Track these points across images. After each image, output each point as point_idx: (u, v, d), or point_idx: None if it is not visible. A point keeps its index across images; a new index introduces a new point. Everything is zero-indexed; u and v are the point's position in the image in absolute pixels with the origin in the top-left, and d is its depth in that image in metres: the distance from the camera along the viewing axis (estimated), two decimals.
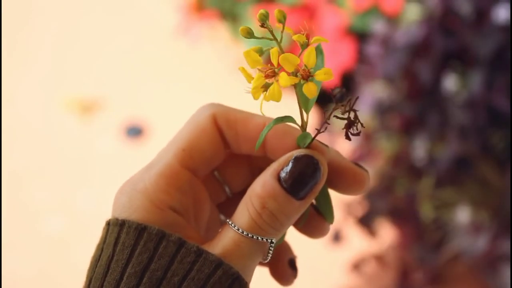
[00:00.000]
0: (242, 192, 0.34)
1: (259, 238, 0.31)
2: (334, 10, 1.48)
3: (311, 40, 0.30)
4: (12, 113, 1.77)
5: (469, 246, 1.02)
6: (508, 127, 1.00)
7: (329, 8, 1.49)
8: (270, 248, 0.32)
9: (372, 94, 1.12)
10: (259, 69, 0.30)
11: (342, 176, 0.34)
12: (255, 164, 0.37)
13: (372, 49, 1.16)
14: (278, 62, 0.30)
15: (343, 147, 1.20)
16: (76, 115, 1.76)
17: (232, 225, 0.31)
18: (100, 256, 0.32)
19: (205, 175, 0.35)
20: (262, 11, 0.30)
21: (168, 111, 1.77)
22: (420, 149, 1.05)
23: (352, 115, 0.29)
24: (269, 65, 0.30)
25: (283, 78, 0.29)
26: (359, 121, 0.29)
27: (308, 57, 0.29)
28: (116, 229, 0.31)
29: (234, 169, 0.37)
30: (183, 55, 1.87)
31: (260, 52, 0.30)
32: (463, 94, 1.01)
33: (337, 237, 1.15)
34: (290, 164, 0.31)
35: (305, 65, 0.30)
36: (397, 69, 1.07)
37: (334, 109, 0.29)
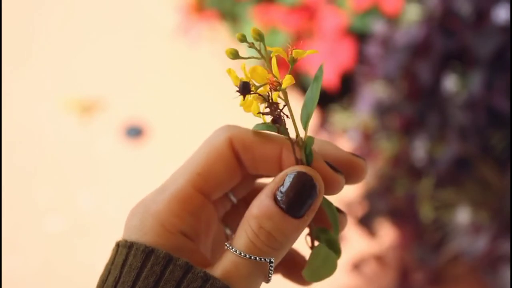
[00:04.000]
0: (247, 199, 0.34)
1: (258, 258, 0.31)
2: (334, 10, 1.48)
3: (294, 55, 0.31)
4: (12, 113, 1.77)
5: (469, 247, 1.02)
6: (508, 127, 1.00)
7: (329, 8, 1.49)
8: (270, 268, 0.32)
9: (372, 94, 1.12)
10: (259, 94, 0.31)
11: (340, 167, 0.34)
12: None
13: (372, 49, 1.16)
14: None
15: (343, 147, 1.20)
16: (76, 116, 1.76)
17: (231, 247, 0.31)
18: (107, 277, 0.32)
19: (218, 197, 0.35)
20: (239, 35, 0.31)
21: (168, 112, 1.77)
22: (420, 149, 1.05)
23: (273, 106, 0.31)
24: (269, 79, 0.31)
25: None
26: (277, 106, 0.31)
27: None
28: (125, 251, 0.31)
29: (241, 181, 0.37)
30: (183, 56, 1.87)
31: (236, 54, 0.32)
32: (463, 95, 1.01)
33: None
34: (285, 183, 0.31)
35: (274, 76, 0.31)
36: (397, 69, 1.07)
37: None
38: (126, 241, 0.31)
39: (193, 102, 1.78)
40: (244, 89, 0.30)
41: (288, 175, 0.31)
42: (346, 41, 1.44)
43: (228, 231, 0.38)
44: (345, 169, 0.34)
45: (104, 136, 1.71)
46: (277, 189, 0.31)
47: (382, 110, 1.10)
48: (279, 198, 0.31)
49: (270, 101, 0.31)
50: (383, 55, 1.11)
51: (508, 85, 0.98)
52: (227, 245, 0.32)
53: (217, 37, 1.84)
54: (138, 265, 0.30)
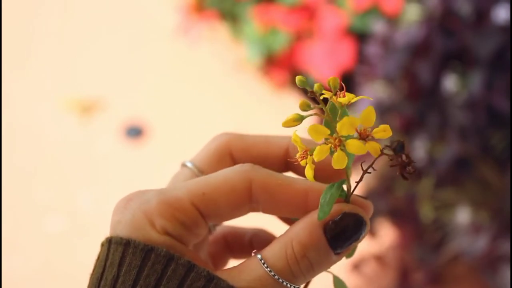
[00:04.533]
0: None
1: (288, 284, 0.30)
2: (334, 10, 1.48)
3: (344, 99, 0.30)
4: (13, 113, 1.77)
5: (469, 246, 1.02)
6: (508, 127, 1.00)
7: (329, 8, 1.49)
8: None
9: (372, 94, 1.12)
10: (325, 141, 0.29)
11: None
12: None
13: (372, 49, 1.16)
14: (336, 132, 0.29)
15: None
16: (76, 116, 1.76)
17: (263, 262, 0.30)
18: (102, 274, 0.31)
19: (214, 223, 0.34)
20: (302, 78, 0.30)
21: (168, 112, 1.77)
22: (420, 149, 1.05)
23: (404, 157, 0.29)
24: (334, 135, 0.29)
25: (353, 145, 0.28)
26: (412, 161, 0.29)
27: (368, 116, 0.29)
28: (121, 248, 0.30)
29: None
30: (183, 56, 1.87)
31: (300, 120, 0.30)
32: (463, 95, 1.01)
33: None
34: (338, 218, 0.31)
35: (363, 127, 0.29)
36: (397, 69, 1.07)
37: (392, 159, 0.29)
38: (121, 238, 0.31)
39: (193, 102, 1.78)
40: (402, 149, 0.29)
41: (343, 212, 0.31)
42: (346, 41, 1.44)
43: (210, 224, 0.37)
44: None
45: (104, 136, 1.71)
46: (329, 221, 0.31)
47: (382, 110, 1.10)
48: (327, 230, 0.31)
49: (398, 149, 0.29)
50: (383, 55, 1.11)
51: (508, 85, 0.98)
52: (259, 257, 0.31)
53: (217, 37, 1.84)
54: (138, 263, 0.30)
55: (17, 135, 1.72)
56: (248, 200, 0.32)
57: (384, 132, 0.29)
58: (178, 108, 1.77)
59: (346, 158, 0.29)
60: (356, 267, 1.20)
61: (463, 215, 1.03)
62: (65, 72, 1.91)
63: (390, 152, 0.29)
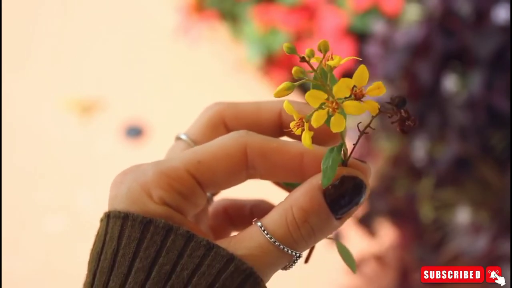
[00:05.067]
0: None
1: (289, 251, 0.30)
2: (334, 10, 1.48)
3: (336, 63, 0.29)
4: (12, 113, 1.77)
5: (469, 246, 1.02)
6: (508, 127, 1.00)
7: (329, 8, 1.49)
8: (295, 261, 0.31)
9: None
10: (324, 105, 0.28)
11: None
12: None
13: (372, 49, 1.16)
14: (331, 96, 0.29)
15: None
16: (76, 116, 1.76)
17: (263, 229, 0.30)
18: (102, 248, 0.31)
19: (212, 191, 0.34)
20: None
21: (168, 112, 1.77)
22: (420, 149, 1.05)
23: (403, 112, 0.29)
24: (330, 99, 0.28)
25: (352, 106, 0.28)
26: (411, 115, 0.29)
27: (361, 75, 0.29)
28: (119, 222, 0.30)
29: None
30: (183, 56, 1.87)
31: (292, 88, 0.29)
32: (463, 95, 1.01)
33: (337, 237, 1.15)
34: (337, 182, 0.31)
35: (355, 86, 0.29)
36: (397, 69, 1.07)
37: (392, 116, 0.29)
38: (119, 212, 0.30)
39: (193, 102, 1.78)
40: (404, 104, 0.29)
41: (342, 175, 0.31)
42: (346, 41, 1.44)
43: (208, 194, 0.36)
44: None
45: (104, 136, 1.71)
46: (328, 186, 0.30)
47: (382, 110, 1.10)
48: (327, 194, 0.30)
49: (396, 110, 0.29)
50: (383, 55, 1.11)
51: (508, 85, 0.98)
52: (259, 225, 0.30)
53: (217, 37, 1.84)
54: (137, 236, 0.30)
55: (17, 135, 1.72)
56: (244, 166, 0.32)
57: (378, 89, 0.29)
58: (178, 108, 1.77)
59: (344, 120, 0.29)
60: (356, 267, 1.20)
61: (463, 215, 1.03)
62: (65, 72, 1.91)
63: (389, 108, 0.29)
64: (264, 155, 0.32)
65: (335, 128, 0.28)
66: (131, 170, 0.32)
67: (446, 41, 1.03)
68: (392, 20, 1.28)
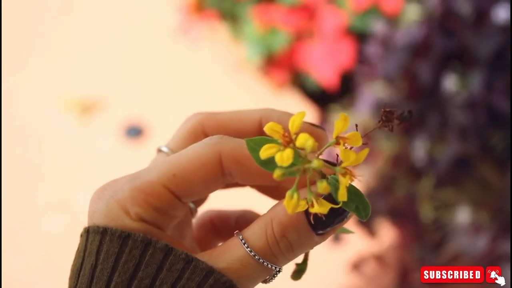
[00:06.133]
0: None
1: (269, 265, 0.30)
2: (334, 10, 1.48)
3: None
4: (13, 113, 1.77)
5: (469, 246, 1.02)
6: (508, 127, 1.00)
7: (329, 8, 1.49)
8: (275, 275, 0.31)
9: (372, 94, 1.12)
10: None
11: None
12: None
13: (372, 49, 1.16)
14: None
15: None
16: (75, 116, 1.76)
17: (244, 242, 0.30)
18: (81, 264, 0.31)
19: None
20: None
21: (167, 112, 1.77)
22: (420, 149, 1.05)
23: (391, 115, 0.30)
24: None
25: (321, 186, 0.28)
26: (394, 113, 0.30)
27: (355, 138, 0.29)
28: (98, 237, 0.30)
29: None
30: (183, 56, 1.87)
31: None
32: (463, 94, 1.01)
33: (337, 238, 1.15)
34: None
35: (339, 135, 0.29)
36: (397, 69, 1.07)
37: (379, 127, 0.30)
38: (98, 227, 0.30)
39: (193, 102, 1.78)
40: (410, 117, 0.29)
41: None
42: (346, 41, 1.44)
43: (191, 205, 0.36)
44: None
45: (104, 136, 1.71)
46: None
47: None
48: (309, 211, 0.29)
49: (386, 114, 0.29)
50: (383, 55, 1.11)
51: (508, 85, 0.98)
52: (240, 237, 0.30)
53: (217, 37, 1.84)
54: (116, 250, 0.30)
55: (17, 135, 1.72)
56: (220, 173, 0.31)
57: (355, 140, 0.29)
58: (178, 108, 1.77)
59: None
60: (356, 267, 1.20)
61: (463, 215, 1.03)
62: (65, 72, 1.91)
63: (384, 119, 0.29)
64: (238, 161, 0.31)
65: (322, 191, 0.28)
66: (109, 185, 0.32)
67: (446, 41, 1.03)
68: (392, 20, 1.28)
